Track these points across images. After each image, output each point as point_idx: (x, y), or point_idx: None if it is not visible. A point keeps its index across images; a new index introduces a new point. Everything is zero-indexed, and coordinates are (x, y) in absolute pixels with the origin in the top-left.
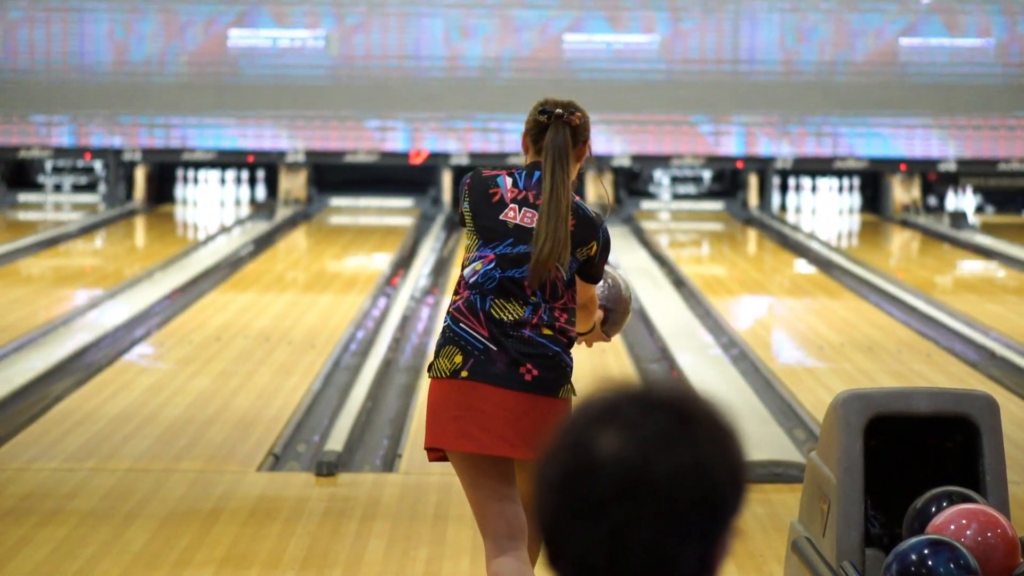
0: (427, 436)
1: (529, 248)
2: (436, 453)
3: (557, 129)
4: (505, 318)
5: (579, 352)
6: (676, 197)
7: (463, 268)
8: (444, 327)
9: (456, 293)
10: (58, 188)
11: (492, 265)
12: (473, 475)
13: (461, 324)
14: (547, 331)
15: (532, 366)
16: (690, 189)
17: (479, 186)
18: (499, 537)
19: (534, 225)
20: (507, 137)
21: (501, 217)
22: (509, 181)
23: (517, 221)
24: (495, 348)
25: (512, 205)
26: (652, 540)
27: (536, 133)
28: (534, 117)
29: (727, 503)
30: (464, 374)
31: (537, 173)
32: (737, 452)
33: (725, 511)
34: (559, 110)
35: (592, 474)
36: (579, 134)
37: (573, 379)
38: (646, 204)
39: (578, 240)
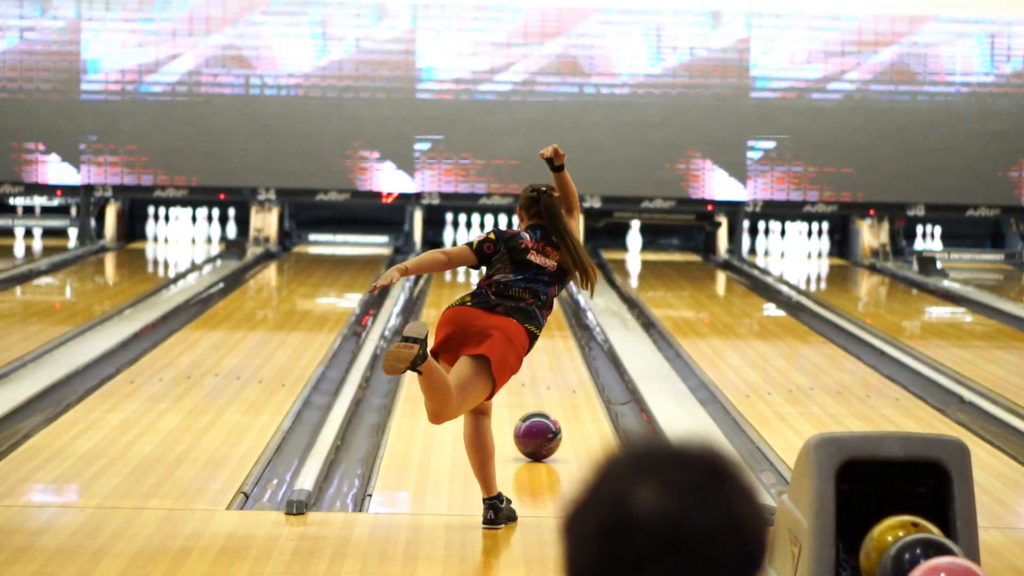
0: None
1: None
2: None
3: (548, 200)
4: (515, 294)
5: (549, 395)
6: (646, 236)
7: (494, 273)
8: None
9: (487, 279)
10: (29, 224)
11: (520, 278)
12: (450, 364)
13: (483, 289)
14: (534, 303)
15: (513, 307)
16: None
17: (508, 237)
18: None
19: (545, 265)
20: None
21: (528, 258)
22: (528, 236)
23: (537, 263)
24: (496, 300)
25: (532, 251)
26: None
27: (528, 205)
28: (527, 195)
29: (756, 555)
30: (469, 303)
31: (539, 231)
32: (761, 505)
33: (754, 563)
34: (544, 187)
35: (632, 529)
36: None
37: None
38: (616, 245)
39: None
